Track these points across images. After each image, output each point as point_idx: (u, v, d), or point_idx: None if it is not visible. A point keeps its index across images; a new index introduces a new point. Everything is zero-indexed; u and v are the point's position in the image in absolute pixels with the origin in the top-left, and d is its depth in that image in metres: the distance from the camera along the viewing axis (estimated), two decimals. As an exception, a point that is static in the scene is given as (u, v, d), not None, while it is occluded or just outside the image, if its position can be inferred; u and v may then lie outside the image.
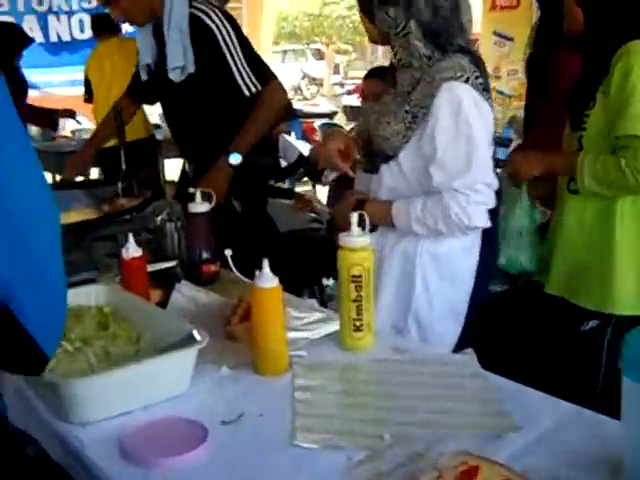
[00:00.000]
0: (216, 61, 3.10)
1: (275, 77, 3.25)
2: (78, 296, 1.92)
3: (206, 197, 2.39)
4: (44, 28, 6.53)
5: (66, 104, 6.22)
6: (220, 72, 3.11)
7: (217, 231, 2.46)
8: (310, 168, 5.04)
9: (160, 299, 2.17)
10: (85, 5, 6.45)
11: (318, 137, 9.79)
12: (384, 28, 2.21)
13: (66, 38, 6.75)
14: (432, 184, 2.14)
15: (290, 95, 22.30)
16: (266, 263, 1.68)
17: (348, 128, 10.30)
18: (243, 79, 3.11)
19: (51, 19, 6.67)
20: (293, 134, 8.41)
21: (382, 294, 2.26)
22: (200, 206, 2.37)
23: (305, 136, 9.90)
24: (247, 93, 3.13)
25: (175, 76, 3.17)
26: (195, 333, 1.61)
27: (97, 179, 3.33)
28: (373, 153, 2.29)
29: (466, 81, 2.09)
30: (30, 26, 6.54)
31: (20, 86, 5.57)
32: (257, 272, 1.69)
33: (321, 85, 24.15)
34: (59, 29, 6.71)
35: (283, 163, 5.49)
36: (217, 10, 3.14)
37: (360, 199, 2.31)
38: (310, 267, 4.11)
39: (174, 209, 2.62)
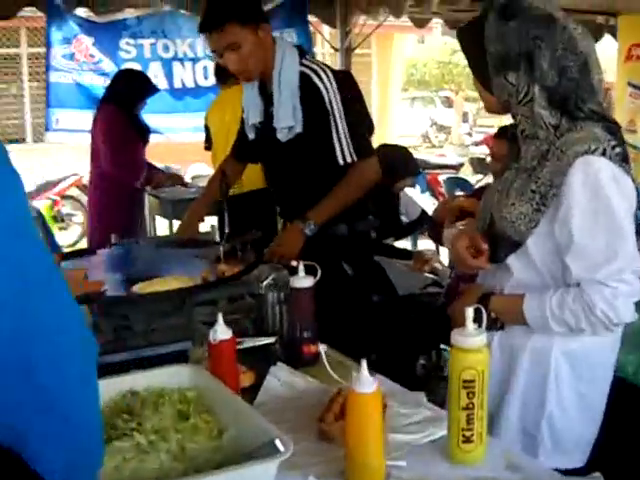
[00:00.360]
0: (320, 122, 2.99)
1: (373, 153, 3.12)
2: (162, 377, 1.78)
3: (310, 270, 2.20)
4: (168, 75, 6.58)
5: (187, 150, 6.22)
6: (321, 135, 3.00)
7: (327, 297, 2.29)
8: (432, 226, 4.83)
9: (252, 382, 2.00)
10: (210, 53, 6.43)
11: (443, 190, 9.58)
12: (503, 96, 1.96)
13: (190, 85, 6.78)
14: (569, 276, 1.87)
15: (418, 142, 22.27)
16: (364, 365, 1.47)
17: (474, 181, 10.09)
18: (341, 147, 2.99)
19: (176, 66, 6.72)
20: (418, 187, 8.22)
21: (510, 397, 2.02)
22: (303, 280, 2.18)
23: (430, 188, 9.68)
24: (341, 162, 3.01)
25: (282, 136, 3.06)
26: (278, 443, 1.41)
27: (204, 239, 3.16)
28: (497, 239, 2.03)
29: (603, 154, 1.81)
30: (155, 72, 6.62)
31: (141, 133, 5.58)
32: (354, 374, 1.48)
33: (449, 133, 23.90)
34: (183, 76, 6.76)
35: (405, 220, 5.30)
36: (328, 70, 3.04)
37: (484, 293, 2.05)
38: (427, 332, 3.91)
39: (280, 276, 2.45)
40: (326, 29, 8.20)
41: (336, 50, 7.21)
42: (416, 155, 6.12)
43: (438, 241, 4.71)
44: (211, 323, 2.47)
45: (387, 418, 1.64)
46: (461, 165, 12.99)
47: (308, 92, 2.98)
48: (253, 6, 3.02)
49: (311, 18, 7.06)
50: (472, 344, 1.59)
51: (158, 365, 2.02)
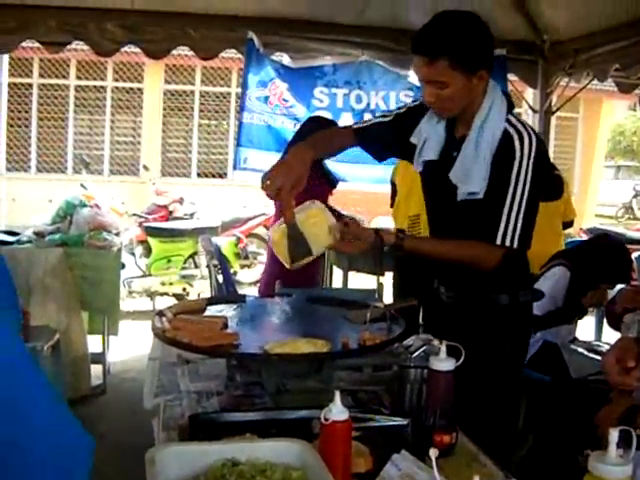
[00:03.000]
0: (499, 189, 2.57)
1: (524, 248, 2.65)
2: (268, 450, 1.65)
3: (452, 351, 2.00)
4: (360, 126, 6.52)
5: (376, 201, 6.13)
6: (495, 202, 2.58)
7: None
8: (608, 311, 4.47)
9: (369, 468, 1.80)
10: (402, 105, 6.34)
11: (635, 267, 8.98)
12: None
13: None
14: None
15: (619, 213, 21.33)
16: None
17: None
18: (507, 227, 2.56)
19: (367, 117, 6.64)
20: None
21: None
22: (444, 362, 1.98)
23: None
24: (499, 241, 2.57)
25: (460, 193, 2.66)
26: None
27: (355, 300, 3.01)
28: None
29: None
30: (346, 123, 6.55)
31: (326, 180, 5.55)
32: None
33: (654, 206, 22.75)
34: (375, 127, 6.67)
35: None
36: (533, 136, 2.60)
37: (634, 405, 1.78)
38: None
39: (432, 350, 2.24)
40: (528, 90, 7.97)
41: (535, 112, 6.96)
42: (613, 228, 5.71)
43: (615, 327, 4.33)
44: (351, 392, 2.34)
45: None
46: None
47: (503, 154, 2.59)
48: (476, 46, 2.56)
49: (512, 77, 6.85)
50: (611, 474, 1.33)
51: (281, 430, 1.91)
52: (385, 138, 2.94)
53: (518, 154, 2.55)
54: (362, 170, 6.59)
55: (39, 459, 0.78)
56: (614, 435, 1.34)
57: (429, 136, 2.77)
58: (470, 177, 2.61)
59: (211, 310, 2.79)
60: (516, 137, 2.58)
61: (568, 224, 5.74)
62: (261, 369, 2.36)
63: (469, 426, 2.10)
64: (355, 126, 3.03)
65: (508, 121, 2.62)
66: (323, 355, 2.27)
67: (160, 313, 2.56)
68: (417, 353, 2.29)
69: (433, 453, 1.42)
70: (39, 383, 0.81)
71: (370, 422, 2.01)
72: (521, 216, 2.56)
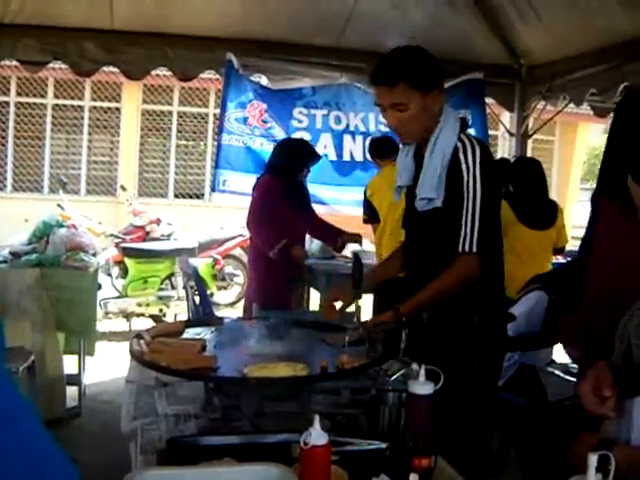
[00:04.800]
0: (456, 200, 2.80)
1: (485, 251, 2.81)
2: (248, 474, 1.66)
3: (431, 375, 2.01)
4: (338, 146, 6.54)
5: (349, 224, 6.15)
6: (454, 213, 2.80)
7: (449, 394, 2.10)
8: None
9: (347, 493, 1.80)
10: (382, 128, 6.38)
11: None
12: None
13: (359, 158, 6.72)
14: None
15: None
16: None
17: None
18: (465, 233, 2.78)
19: (346, 138, 6.68)
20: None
21: None
22: (423, 386, 1.98)
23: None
24: (460, 249, 2.79)
25: (421, 205, 2.90)
26: None
27: (334, 323, 3.02)
28: (633, 371, 1.76)
29: None
30: (325, 143, 6.60)
31: (304, 200, 5.58)
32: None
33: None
34: (353, 149, 6.70)
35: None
36: (478, 149, 2.83)
37: (603, 440, 1.77)
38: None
39: (411, 373, 2.23)
40: (506, 114, 8.04)
41: (512, 135, 7.02)
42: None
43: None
44: (329, 415, 2.33)
45: None
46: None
47: (452, 166, 2.82)
48: (428, 70, 2.87)
49: (489, 101, 6.91)
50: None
51: (259, 453, 1.90)
52: None
53: (464, 165, 2.80)
54: (341, 193, 6.63)
55: None
56: (593, 459, 1.34)
57: (401, 164, 3.08)
58: (423, 184, 2.88)
59: (189, 332, 2.78)
60: (461, 150, 2.83)
61: (559, 250, 5.75)
62: (239, 392, 2.34)
63: (445, 449, 2.10)
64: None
65: (459, 138, 2.87)
66: (302, 379, 2.27)
67: (138, 335, 2.54)
68: (395, 376, 2.29)
69: (413, 478, 1.41)
70: (23, 408, 0.79)
71: (349, 446, 2.00)
72: (477, 222, 2.77)
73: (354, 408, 2.43)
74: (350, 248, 6.16)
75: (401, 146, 3.11)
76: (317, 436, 1.67)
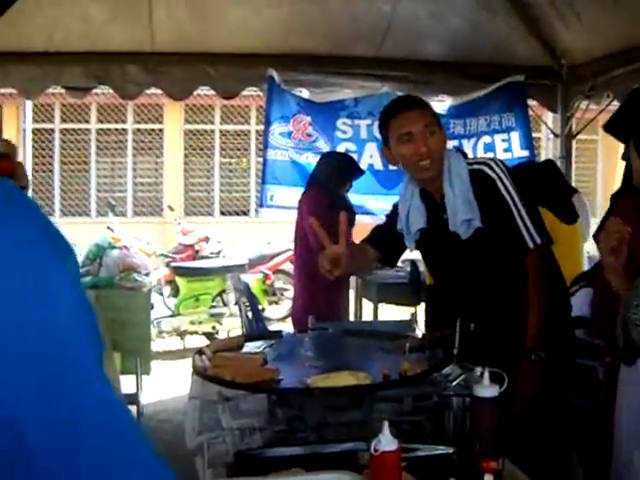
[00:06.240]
0: (500, 212, 2.93)
1: (549, 241, 3.00)
2: None
3: (495, 378, 2.01)
4: (383, 156, 6.52)
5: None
6: (504, 224, 2.93)
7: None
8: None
9: (418, 499, 1.81)
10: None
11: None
12: None
13: (404, 167, 6.70)
14: None
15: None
16: None
17: None
18: (528, 230, 2.91)
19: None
20: None
21: None
22: (488, 389, 1.98)
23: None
24: (531, 245, 2.92)
25: (463, 231, 2.95)
26: None
27: (393, 331, 3.04)
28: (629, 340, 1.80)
29: None
30: (371, 153, 6.60)
31: (349, 214, 5.59)
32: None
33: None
34: (398, 158, 6.68)
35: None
36: (498, 161, 3.07)
37: None
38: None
39: (472, 378, 2.25)
40: (549, 115, 7.99)
41: (556, 136, 6.98)
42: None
43: None
44: (393, 422, 2.34)
45: None
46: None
47: (482, 185, 2.95)
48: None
49: (532, 102, 6.87)
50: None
51: (326, 463, 1.91)
52: (388, 239, 3.25)
53: (496, 177, 2.94)
54: (388, 203, 6.61)
55: None
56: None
57: (409, 211, 3.11)
58: (460, 209, 2.94)
59: (249, 346, 2.81)
60: (485, 167, 2.97)
61: None
62: (303, 403, 2.36)
63: (514, 454, 2.10)
64: (371, 244, 3.29)
65: (469, 164, 3.01)
66: (365, 387, 2.27)
67: (200, 352, 2.57)
68: (457, 381, 2.30)
69: (488, 479, 1.41)
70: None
71: (416, 451, 2.01)
72: (527, 217, 2.92)
73: (417, 415, 2.44)
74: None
75: (405, 187, 3.15)
76: (387, 442, 1.69)
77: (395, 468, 1.70)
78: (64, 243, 0.82)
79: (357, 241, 3.46)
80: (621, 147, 3.09)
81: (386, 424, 1.71)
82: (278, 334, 3.04)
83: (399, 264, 6.48)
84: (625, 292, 2.16)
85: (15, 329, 0.71)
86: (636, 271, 2.10)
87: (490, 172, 2.95)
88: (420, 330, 2.98)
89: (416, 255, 3.66)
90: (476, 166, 2.99)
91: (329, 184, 5.36)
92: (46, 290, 0.74)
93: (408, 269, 6.10)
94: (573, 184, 6.05)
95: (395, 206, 3.27)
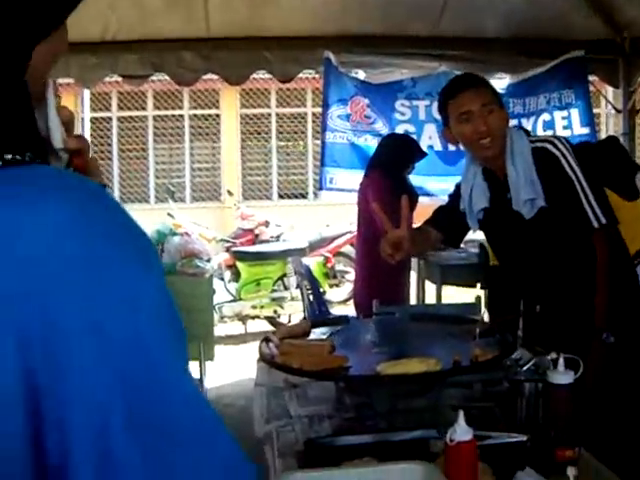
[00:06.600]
0: (565, 191, 2.88)
1: (614, 221, 2.94)
2: (392, 473, 1.63)
3: (570, 363, 1.96)
4: (443, 137, 6.43)
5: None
6: (568, 203, 2.89)
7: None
8: None
9: (493, 489, 1.77)
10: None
11: None
12: None
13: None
14: None
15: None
16: None
17: None
18: (593, 209, 2.86)
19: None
20: None
21: None
22: (563, 376, 1.94)
23: None
24: (596, 224, 2.87)
25: (527, 211, 2.92)
26: None
27: (461, 315, 3.00)
28: None
29: None
30: (430, 134, 6.52)
31: (408, 197, 5.52)
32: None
33: None
34: (458, 138, 6.61)
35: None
36: (562, 139, 3.03)
37: None
38: None
39: (542, 362, 2.20)
40: (609, 90, 7.82)
41: (619, 112, 6.82)
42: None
43: None
44: (463, 409, 2.30)
45: None
46: None
47: (546, 163, 2.90)
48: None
49: (592, 78, 6.71)
50: None
51: (397, 451, 1.89)
52: (451, 220, 3.24)
53: (560, 155, 2.88)
54: (448, 183, 6.54)
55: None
56: None
57: (472, 191, 3.08)
58: (524, 188, 2.90)
59: (315, 333, 2.80)
60: (549, 145, 2.92)
61: None
62: (371, 390, 2.34)
63: (587, 440, 2.06)
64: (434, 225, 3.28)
65: (532, 141, 2.97)
66: (437, 374, 2.25)
67: (266, 339, 2.56)
68: (527, 366, 2.25)
69: (571, 471, 1.38)
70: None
71: (489, 439, 1.97)
72: (592, 196, 2.86)
73: (487, 401, 2.40)
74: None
75: (467, 167, 3.14)
76: (462, 432, 1.66)
77: (471, 458, 1.67)
78: (148, 243, 0.81)
79: (419, 223, 3.46)
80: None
81: (461, 413, 1.68)
82: (344, 319, 3.02)
83: (462, 245, 6.44)
84: None
85: (99, 333, 0.70)
86: None
87: (554, 150, 2.90)
88: (483, 313, 2.92)
89: (482, 236, 3.63)
90: (539, 144, 2.95)
91: (391, 167, 5.30)
92: (131, 293, 0.73)
93: (471, 250, 6.03)
94: (637, 161, 5.90)
95: (457, 186, 3.25)
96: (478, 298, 3.63)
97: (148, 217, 8.28)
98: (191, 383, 0.78)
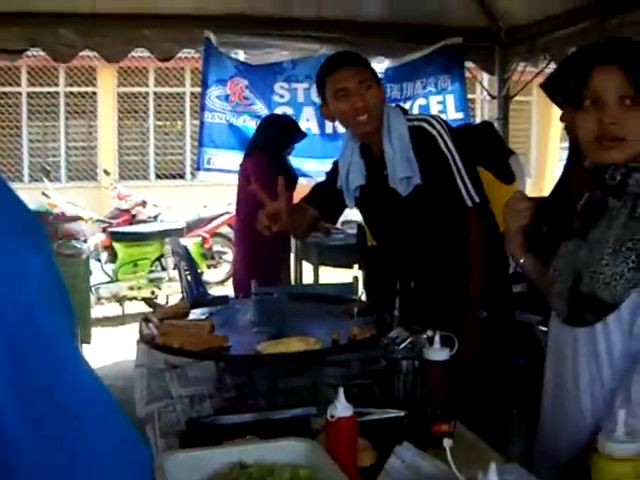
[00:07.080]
0: (440, 169, 2.96)
1: (486, 201, 3.04)
2: (274, 450, 1.64)
3: (446, 340, 2.02)
4: (321, 119, 6.46)
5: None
6: (443, 181, 2.97)
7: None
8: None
9: (373, 461, 1.81)
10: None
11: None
12: None
13: (341, 130, 6.68)
14: None
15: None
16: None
17: None
18: (466, 188, 2.95)
19: (330, 110, 6.63)
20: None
21: None
22: (438, 353, 2.00)
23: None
24: (470, 203, 2.97)
25: (402, 189, 2.98)
26: None
27: (339, 295, 3.04)
28: (584, 300, 1.84)
29: None
30: (308, 117, 6.55)
31: (288, 177, 5.56)
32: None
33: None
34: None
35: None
36: (439, 118, 3.11)
37: None
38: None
39: (418, 340, 2.26)
40: (485, 76, 8.03)
41: (493, 98, 7.02)
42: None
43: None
44: (342, 385, 2.34)
45: None
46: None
47: (422, 142, 2.96)
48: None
49: (469, 64, 6.89)
50: (623, 452, 1.35)
51: (279, 429, 1.91)
52: (328, 197, 3.25)
53: (436, 134, 2.95)
54: (327, 165, 6.59)
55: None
56: (621, 414, 1.36)
57: (350, 168, 3.11)
58: (399, 166, 2.96)
59: (195, 313, 2.79)
60: (425, 124, 2.98)
61: None
62: (252, 370, 2.36)
63: (461, 413, 2.13)
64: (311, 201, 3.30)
65: (409, 120, 3.02)
66: (317, 352, 2.28)
67: (146, 319, 2.54)
68: (404, 344, 2.30)
69: (447, 443, 1.42)
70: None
71: (368, 415, 2.02)
72: (466, 175, 2.95)
73: (365, 378, 2.45)
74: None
75: (344, 145, 3.17)
76: (342, 408, 1.69)
77: (351, 434, 1.70)
78: (36, 224, 0.80)
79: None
80: (555, 108, 3.09)
81: (341, 390, 1.71)
82: (223, 300, 3.02)
83: (338, 226, 6.52)
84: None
85: None
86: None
87: (430, 129, 2.96)
88: (361, 293, 2.98)
89: (360, 217, 3.69)
90: (416, 122, 3.01)
91: (272, 147, 5.32)
92: (20, 267, 0.72)
93: (349, 231, 6.12)
94: (509, 145, 6.09)
95: (335, 163, 3.27)
96: (355, 278, 3.68)
97: (22, 196, 8.02)
98: (82, 358, 0.78)
